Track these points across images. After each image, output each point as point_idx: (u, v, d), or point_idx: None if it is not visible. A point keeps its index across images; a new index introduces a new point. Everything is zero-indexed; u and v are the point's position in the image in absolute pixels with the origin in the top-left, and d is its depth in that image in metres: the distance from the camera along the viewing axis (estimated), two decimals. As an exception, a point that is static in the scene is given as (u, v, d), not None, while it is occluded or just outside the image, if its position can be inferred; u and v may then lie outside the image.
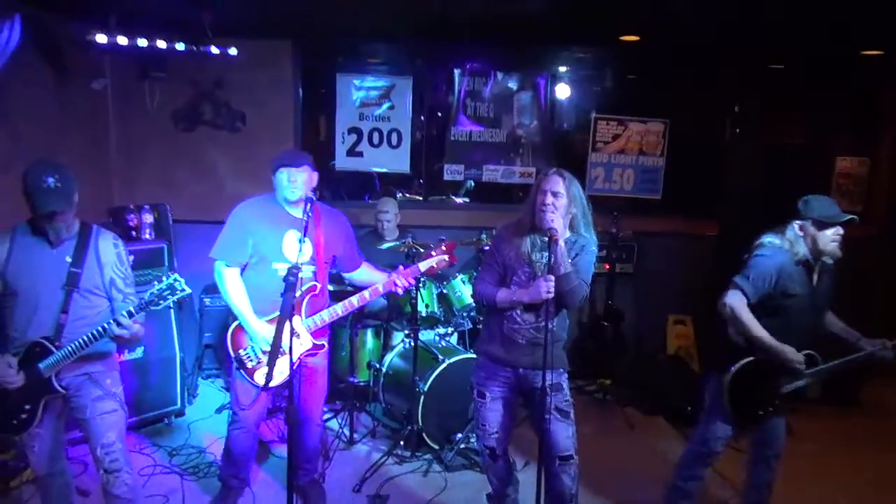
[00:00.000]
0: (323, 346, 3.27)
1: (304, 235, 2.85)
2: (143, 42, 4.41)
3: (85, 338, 2.67)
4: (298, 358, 3.13)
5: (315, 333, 3.20)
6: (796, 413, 4.74)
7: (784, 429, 3.22)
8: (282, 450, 4.08)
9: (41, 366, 2.68)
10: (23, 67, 3.99)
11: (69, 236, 2.76)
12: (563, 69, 5.97)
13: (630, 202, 5.90)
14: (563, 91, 6.00)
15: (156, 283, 2.69)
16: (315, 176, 3.20)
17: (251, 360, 3.19)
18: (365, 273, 3.47)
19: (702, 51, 5.30)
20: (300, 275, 2.71)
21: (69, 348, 2.67)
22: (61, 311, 2.72)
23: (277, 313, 2.72)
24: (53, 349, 2.68)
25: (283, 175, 3.11)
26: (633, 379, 5.19)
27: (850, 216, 2.94)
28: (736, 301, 2.97)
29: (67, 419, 2.97)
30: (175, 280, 2.67)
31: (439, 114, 5.97)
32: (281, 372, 3.03)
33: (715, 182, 5.59)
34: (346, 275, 3.50)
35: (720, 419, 3.11)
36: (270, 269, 3.15)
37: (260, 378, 3.16)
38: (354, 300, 3.25)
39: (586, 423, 3.02)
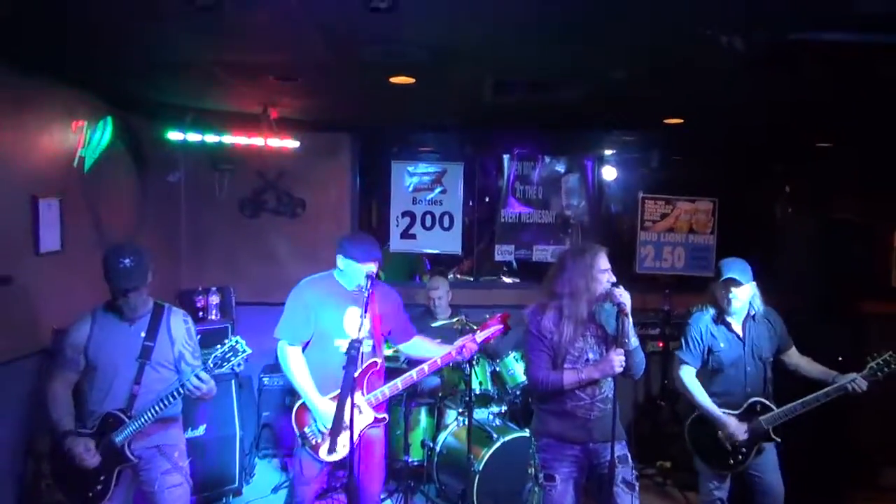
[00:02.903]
0: (385, 418, 3.34)
1: (365, 311, 2.97)
2: (212, 138, 4.82)
3: (159, 405, 2.82)
4: (360, 432, 3.19)
5: (376, 407, 3.27)
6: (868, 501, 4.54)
7: (778, 477, 3.35)
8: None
9: (115, 436, 2.84)
10: (110, 163, 4.39)
11: (144, 313, 2.98)
12: (609, 151, 6.16)
13: (681, 280, 5.88)
14: (609, 172, 6.16)
15: (218, 346, 2.84)
16: None
17: (315, 437, 3.25)
18: (419, 344, 3.56)
19: (749, 131, 5.40)
20: (361, 349, 2.83)
21: (142, 419, 2.83)
22: (134, 382, 2.90)
23: (337, 392, 2.91)
24: (126, 419, 2.85)
25: (367, 267, 3.21)
26: (691, 462, 4.99)
27: (746, 280, 3.27)
28: (682, 373, 3.43)
29: (134, 492, 3.10)
30: (236, 342, 2.83)
31: (488, 198, 6.20)
32: (344, 445, 3.10)
33: (768, 260, 5.54)
34: (400, 346, 3.58)
35: (702, 476, 3.51)
36: (332, 347, 3.24)
37: (323, 454, 3.23)
38: (414, 373, 3.34)
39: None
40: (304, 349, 3.34)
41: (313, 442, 3.25)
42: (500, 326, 3.51)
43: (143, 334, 2.95)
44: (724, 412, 3.37)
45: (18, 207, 3.56)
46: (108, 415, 2.86)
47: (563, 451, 2.96)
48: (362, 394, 3.23)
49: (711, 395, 3.40)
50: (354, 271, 3.25)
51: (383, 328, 3.39)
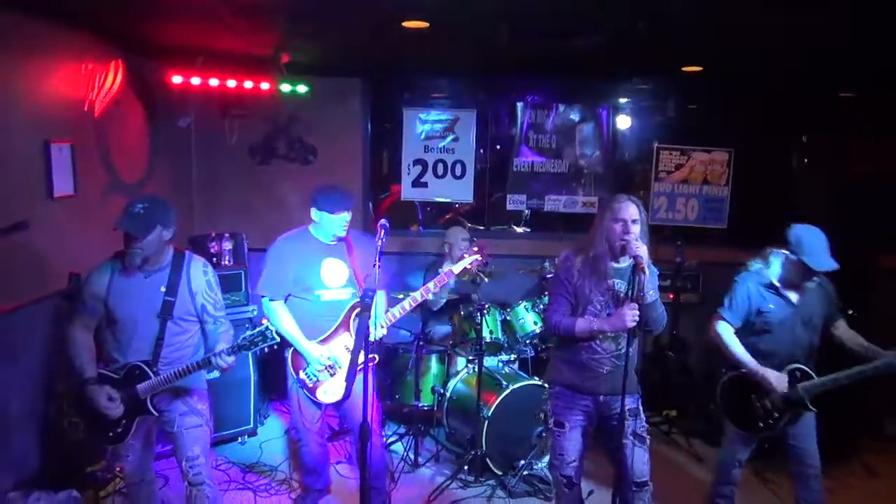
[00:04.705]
0: (375, 358, 3.47)
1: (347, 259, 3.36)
2: (223, 82, 4.75)
3: (183, 368, 2.85)
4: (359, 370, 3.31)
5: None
6: (875, 451, 4.63)
7: (814, 444, 3.26)
8: (348, 471, 4.20)
9: (139, 388, 2.88)
10: (120, 107, 4.36)
11: (163, 266, 2.94)
12: (624, 100, 6.03)
13: (694, 232, 5.85)
14: (624, 121, 6.06)
15: (248, 329, 2.88)
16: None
17: (311, 380, 3.44)
18: (380, 299, 3.58)
19: (768, 79, 5.27)
20: (335, 298, 3.26)
21: (166, 375, 2.86)
22: (157, 338, 2.91)
23: (326, 335, 3.40)
24: (151, 374, 2.88)
25: (340, 217, 3.37)
26: (700, 411, 5.09)
27: (833, 267, 3.03)
28: (720, 329, 3.29)
29: (157, 431, 3.18)
30: (267, 329, 2.84)
31: (501, 146, 6.13)
32: (339, 387, 3.41)
33: (784, 212, 5.49)
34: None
35: (728, 438, 3.40)
36: (313, 296, 3.43)
37: (320, 395, 3.45)
38: (418, 294, 3.55)
39: (652, 455, 3.02)
40: (286, 301, 3.48)
41: (309, 385, 3.45)
42: (478, 256, 3.70)
43: (162, 289, 2.91)
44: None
45: (31, 152, 3.56)
46: (135, 366, 2.88)
47: (575, 400, 3.01)
48: (350, 335, 3.43)
49: (755, 354, 3.23)
50: (329, 223, 3.40)
51: (360, 275, 3.52)
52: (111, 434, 2.97)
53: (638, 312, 2.75)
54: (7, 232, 2.82)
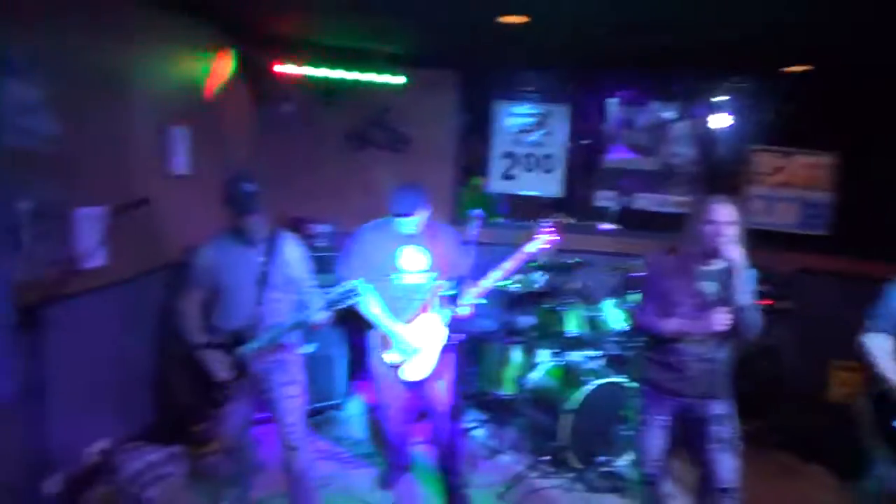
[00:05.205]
0: (461, 338, 3.55)
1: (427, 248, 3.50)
2: (326, 72, 4.96)
3: (280, 329, 3.05)
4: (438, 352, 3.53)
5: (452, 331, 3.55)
6: None
7: None
8: (427, 451, 4.32)
9: (242, 351, 3.09)
10: (231, 93, 4.63)
11: (261, 238, 3.17)
12: (721, 98, 5.85)
13: (793, 238, 5.62)
14: (720, 121, 5.87)
15: (341, 284, 3.02)
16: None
17: (395, 360, 3.57)
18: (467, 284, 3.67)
19: (877, 79, 4.99)
20: (414, 282, 3.46)
21: (266, 336, 3.06)
22: (257, 303, 3.13)
23: (409, 316, 3.55)
24: (252, 337, 3.09)
25: (402, 221, 3.48)
26: (790, 423, 4.91)
27: None
28: (869, 341, 3.02)
29: (256, 399, 3.39)
30: (358, 283, 2.99)
31: (590, 141, 6.07)
32: (424, 366, 3.54)
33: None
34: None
35: (880, 462, 3.02)
36: (390, 281, 3.56)
37: (404, 374, 3.57)
38: (499, 271, 3.51)
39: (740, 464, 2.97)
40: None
41: (394, 364, 3.58)
42: (554, 236, 3.58)
43: (261, 259, 3.14)
44: None
45: (152, 134, 3.85)
46: (236, 331, 3.11)
47: (662, 399, 3.00)
48: (438, 316, 3.57)
49: None
50: (398, 223, 3.52)
51: (441, 262, 3.61)
52: (216, 398, 3.19)
53: (729, 317, 2.71)
54: (132, 208, 3.07)
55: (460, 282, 2.86)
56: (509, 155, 5.87)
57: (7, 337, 1.95)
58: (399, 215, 3.48)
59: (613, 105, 5.84)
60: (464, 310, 3.49)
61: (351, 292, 2.99)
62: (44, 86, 2.87)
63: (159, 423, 3.98)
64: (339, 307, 3.05)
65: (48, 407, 2.74)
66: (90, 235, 3.24)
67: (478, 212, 3.17)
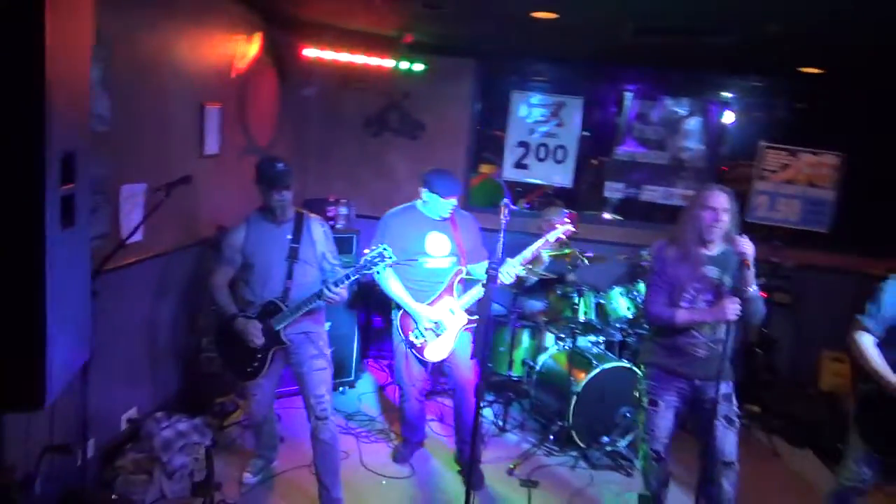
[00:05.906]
0: (475, 321, 3.78)
1: (451, 233, 3.73)
2: (347, 57, 5.08)
3: (307, 298, 3.24)
4: (459, 331, 3.75)
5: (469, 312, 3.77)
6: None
7: None
8: (440, 428, 4.53)
9: (274, 323, 3.28)
10: (256, 75, 4.75)
11: (289, 218, 3.35)
12: (733, 96, 6.00)
13: (793, 233, 5.81)
14: (732, 117, 6.03)
15: (367, 251, 3.20)
16: None
17: (419, 339, 3.74)
18: (482, 267, 3.79)
19: (885, 82, 5.14)
20: (438, 266, 3.66)
21: (295, 306, 3.25)
22: (287, 277, 3.32)
23: (432, 298, 3.73)
24: (283, 307, 3.27)
25: (448, 202, 3.66)
26: (783, 409, 5.13)
27: None
28: (861, 338, 3.04)
29: (281, 375, 3.58)
30: (385, 248, 3.19)
31: (602, 133, 6.23)
32: (445, 346, 3.73)
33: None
34: (470, 266, 3.87)
35: (854, 457, 3.09)
36: (418, 264, 3.73)
37: (427, 354, 3.74)
38: (526, 254, 3.75)
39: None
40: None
41: (417, 344, 3.74)
42: (570, 226, 3.78)
43: (289, 236, 3.34)
44: None
45: (189, 113, 3.98)
46: (269, 303, 3.29)
47: (671, 381, 3.17)
48: (455, 299, 3.76)
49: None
50: (437, 204, 3.69)
51: (462, 247, 3.80)
52: (249, 369, 3.38)
53: (740, 306, 2.88)
54: (176, 185, 3.21)
55: (495, 267, 3.04)
56: (523, 144, 6.02)
57: (89, 303, 2.11)
58: (447, 197, 3.65)
59: (628, 99, 5.98)
60: (507, 278, 3.65)
61: (380, 257, 3.18)
62: (97, 66, 3.00)
63: (185, 394, 4.16)
64: (368, 273, 3.24)
65: (90, 375, 2.89)
66: (134, 211, 3.40)
67: (506, 201, 3.33)
